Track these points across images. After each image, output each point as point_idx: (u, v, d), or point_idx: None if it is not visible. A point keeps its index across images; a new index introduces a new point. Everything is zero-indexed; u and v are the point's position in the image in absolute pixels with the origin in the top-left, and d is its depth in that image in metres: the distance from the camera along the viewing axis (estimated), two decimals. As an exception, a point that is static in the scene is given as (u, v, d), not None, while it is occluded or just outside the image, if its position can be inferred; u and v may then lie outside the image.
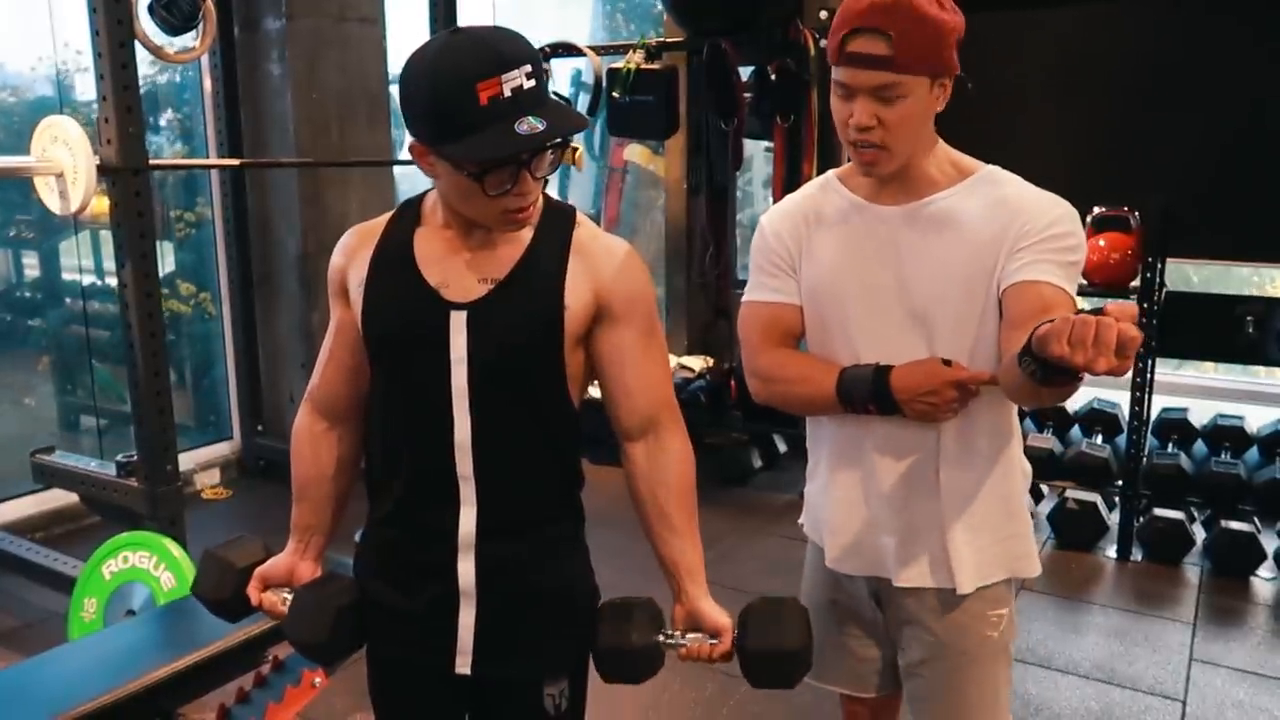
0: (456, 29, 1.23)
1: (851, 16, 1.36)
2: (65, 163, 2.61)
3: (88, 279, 4.38)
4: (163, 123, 4.70)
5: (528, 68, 1.20)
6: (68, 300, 4.40)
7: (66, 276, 4.40)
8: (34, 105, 4.13)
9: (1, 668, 2.43)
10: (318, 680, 2.31)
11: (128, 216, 2.70)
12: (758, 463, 4.57)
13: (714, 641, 1.37)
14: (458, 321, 1.29)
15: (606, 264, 1.34)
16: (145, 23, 2.75)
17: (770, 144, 4.44)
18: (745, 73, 4.38)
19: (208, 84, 4.29)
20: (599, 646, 1.38)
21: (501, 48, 1.20)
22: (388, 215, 1.40)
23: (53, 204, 2.64)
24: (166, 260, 4.81)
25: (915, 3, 1.34)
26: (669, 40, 4.57)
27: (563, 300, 1.31)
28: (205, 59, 4.22)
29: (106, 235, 4.05)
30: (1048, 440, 4.04)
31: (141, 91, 2.76)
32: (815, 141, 4.15)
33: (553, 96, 1.25)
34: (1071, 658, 3.00)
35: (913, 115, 1.38)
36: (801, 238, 1.55)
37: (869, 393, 1.48)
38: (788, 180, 4.30)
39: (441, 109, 1.19)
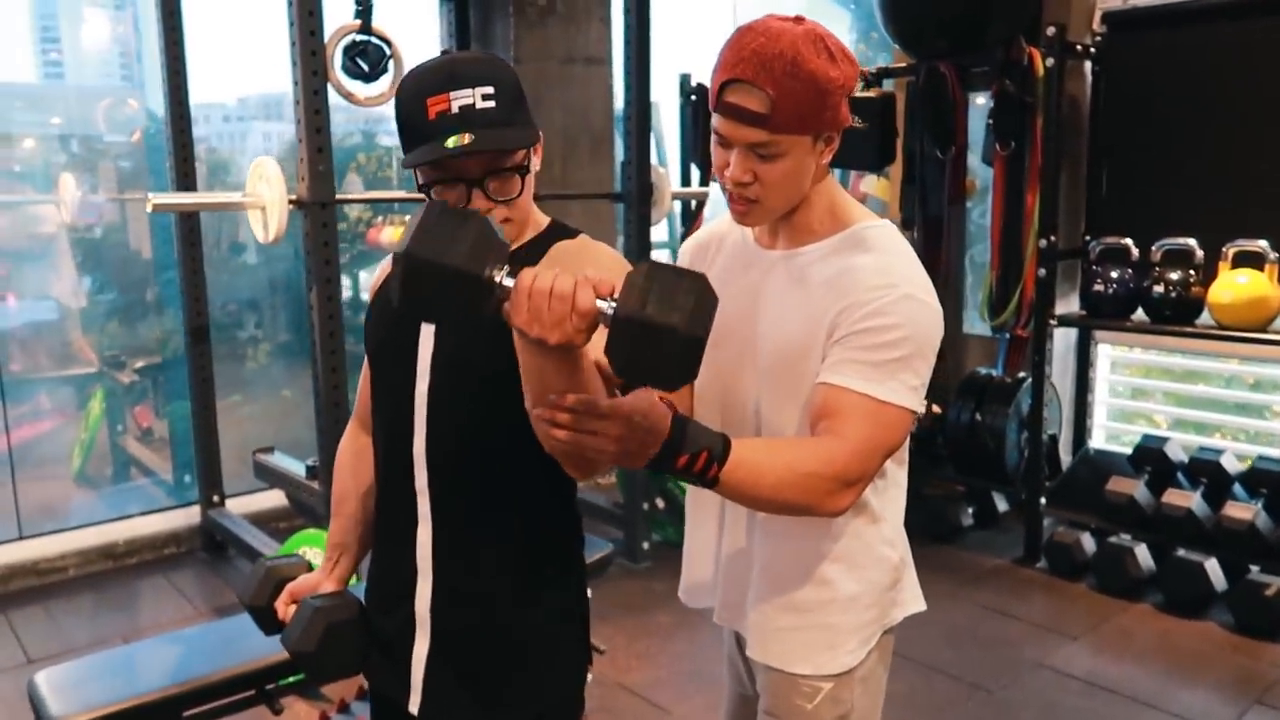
0: (445, 51, 1.24)
1: (730, 64, 1.24)
2: (267, 197, 2.96)
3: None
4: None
5: (486, 89, 1.20)
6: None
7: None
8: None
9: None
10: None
11: (316, 245, 2.98)
12: (968, 520, 4.17)
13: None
14: (426, 334, 1.31)
15: (574, 260, 1.27)
16: (339, 71, 3.06)
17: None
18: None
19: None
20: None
21: (459, 68, 1.22)
22: None
23: (258, 233, 3.00)
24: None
25: (799, 58, 1.20)
26: (890, 66, 4.34)
27: None
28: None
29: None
30: (1248, 510, 3.31)
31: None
32: (1040, 171, 3.72)
33: (513, 119, 1.22)
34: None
35: (792, 173, 1.28)
36: (702, 266, 1.47)
37: None
38: (1007, 213, 3.90)
39: (403, 121, 1.24)
